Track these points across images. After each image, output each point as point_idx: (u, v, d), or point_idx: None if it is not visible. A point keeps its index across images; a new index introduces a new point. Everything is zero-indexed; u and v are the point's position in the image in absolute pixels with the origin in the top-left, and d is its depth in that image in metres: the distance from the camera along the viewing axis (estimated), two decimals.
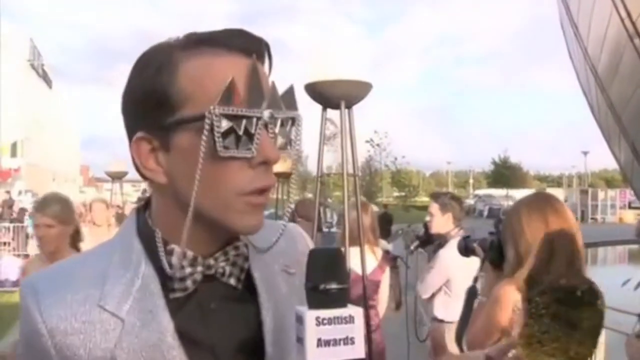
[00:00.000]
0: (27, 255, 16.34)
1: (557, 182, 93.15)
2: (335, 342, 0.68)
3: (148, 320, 0.80)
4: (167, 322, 0.80)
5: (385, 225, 19.53)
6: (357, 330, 0.69)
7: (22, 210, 18.67)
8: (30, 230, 17.26)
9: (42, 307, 0.81)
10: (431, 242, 4.61)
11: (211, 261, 0.83)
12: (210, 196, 0.78)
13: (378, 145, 42.90)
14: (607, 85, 16.03)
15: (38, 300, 0.81)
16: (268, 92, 0.78)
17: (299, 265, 0.90)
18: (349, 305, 0.70)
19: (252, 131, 0.76)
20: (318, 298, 0.70)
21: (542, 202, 2.19)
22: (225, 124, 0.75)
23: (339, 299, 0.70)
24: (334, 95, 3.45)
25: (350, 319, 0.69)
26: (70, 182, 55.19)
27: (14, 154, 40.64)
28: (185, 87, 0.78)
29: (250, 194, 0.79)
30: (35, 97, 45.50)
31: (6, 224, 16.84)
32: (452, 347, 3.61)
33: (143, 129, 0.80)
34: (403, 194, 51.24)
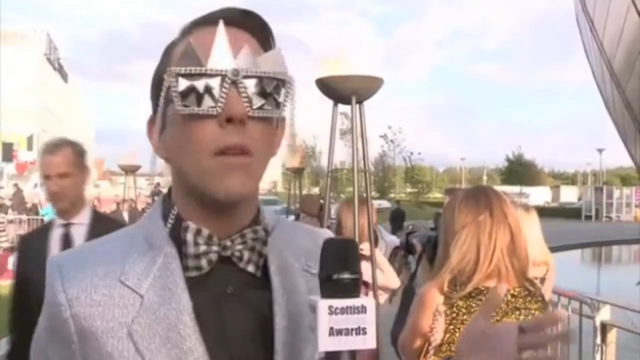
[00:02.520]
0: None
1: (571, 179, 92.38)
2: (347, 332, 0.69)
3: (167, 297, 0.81)
4: (185, 301, 0.81)
5: (398, 221, 19.56)
6: (369, 320, 0.70)
7: (35, 205, 18.84)
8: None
9: (64, 278, 0.83)
10: None
11: (228, 242, 0.83)
12: (189, 161, 0.80)
13: (392, 141, 42.79)
14: (623, 82, 15.85)
15: (61, 272, 0.84)
16: (237, 53, 0.78)
17: None
18: (362, 296, 0.71)
19: (215, 88, 0.77)
20: (331, 287, 0.70)
21: (478, 197, 2.00)
22: (183, 83, 0.77)
23: (351, 289, 0.70)
24: (345, 91, 3.45)
25: (362, 309, 0.70)
26: None
27: (30, 147, 41.04)
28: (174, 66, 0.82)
29: (223, 153, 0.78)
30: (52, 91, 45.90)
31: (23, 217, 17.00)
32: None
33: (153, 111, 0.87)
34: (416, 190, 51.06)
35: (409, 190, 54.65)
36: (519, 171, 57.41)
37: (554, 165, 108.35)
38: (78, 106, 58.25)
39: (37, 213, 17.87)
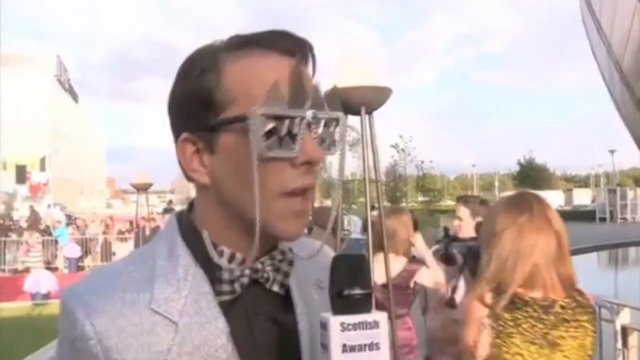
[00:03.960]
0: (56, 268, 16.61)
1: (584, 182, 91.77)
2: (361, 348, 0.68)
3: (202, 322, 0.79)
4: (222, 326, 0.79)
5: None
6: (383, 335, 0.69)
7: (47, 226, 18.94)
8: (61, 243, 17.57)
9: (89, 309, 0.77)
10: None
11: (258, 265, 0.83)
12: (252, 198, 0.77)
13: (403, 150, 42.78)
14: (632, 81, 15.75)
15: (84, 303, 0.78)
16: (311, 93, 0.79)
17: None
18: (374, 311, 0.71)
19: (295, 131, 0.76)
20: (342, 304, 0.70)
21: (518, 203, 1.92)
22: (267, 125, 0.75)
23: (363, 305, 0.70)
24: (354, 102, 3.45)
25: (375, 324, 0.69)
26: (97, 195, 55.98)
27: (42, 168, 41.42)
28: (229, 89, 0.78)
29: (292, 194, 0.79)
30: (63, 112, 46.40)
31: (39, 239, 17.11)
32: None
33: (187, 130, 0.81)
34: (428, 198, 50.92)
35: (420, 198, 54.53)
36: (531, 176, 57.12)
37: (565, 169, 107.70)
38: (89, 126, 58.79)
39: (50, 234, 17.98)
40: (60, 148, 44.24)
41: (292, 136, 0.76)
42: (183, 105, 0.82)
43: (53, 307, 10.64)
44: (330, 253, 1.00)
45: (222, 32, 0.87)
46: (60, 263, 17.46)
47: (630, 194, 44.37)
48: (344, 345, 0.68)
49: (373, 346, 0.69)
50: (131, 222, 18.40)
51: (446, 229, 4.36)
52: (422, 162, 42.99)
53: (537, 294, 1.82)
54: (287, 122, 0.76)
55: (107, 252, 18.11)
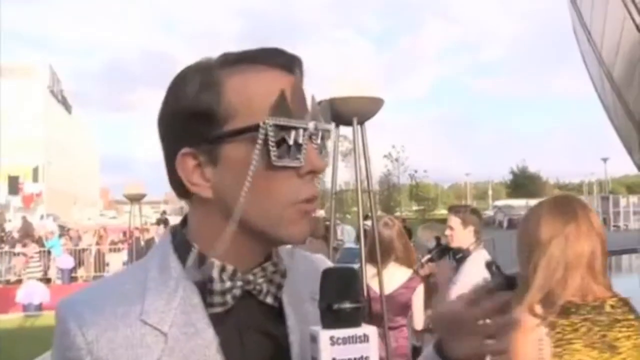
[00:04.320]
0: (49, 280, 16.51)
1: (577, 189, 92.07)
2: None
3: (191, 334, 0.80)
4: (211, 336, 0.80)
5: None
6: (373, 349, 0.70)
7: (40, 237, 18.81)
8: (54, 254, 17.46)
9: (81, 320, 0.79)
10: (445, 255, 4.62)
11: (250, 276, 0.83)
12: (260, 206, 0.80)
13: (397, 160, 42.88)
14: (623, 91, 15.86)
15: (77, 314, 0.80)
16: (310, 105, 0.84)
17: None
18: (364, 325, 0.71)
19: (300, 141, 0.80)
20: (332, 317, 0.70)
21: (562, 207, 1.86)
22: (278, 134, 0.78)
23: (353, 318, 0.70)
24: (346, 112, 3.47)
25: (364, 338, 0.69)
26: (91, 206, 55.75)
27: (35, 178, 41.22)
28: (232, 101, 0.80)
29: (300, 202, 0.81)
30: (56, 123, 46.27)
31: (36, 249, 17.00)
32: None
33: (187, 144, 0.82)
34: (422, 207, 51.01)
35: (414, 207, 54.59)
36: (525, 184, 57.36)
37: (558, 177, 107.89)
38: (82, 137, 58.63)
39: (42, 245, 17.87)
40: (53, 159, 44.05)
41: (297, 146, 0.80)
42: (180, 121, 0.83)
43: (46, 318, 10.56)
44: (326, 265, 1.01)
45: (221, 42, 0.90)
46: (53, 274, 17.35)
47: (623, 201, 44.60)
48: None
49: None
50: (124, 233, 18.32)
51: (438, 239, 4.38)
52: (416, 171, 43.15)
53: (588, 296, 1.77)
54: (293, 132, 0.79)
55: (100, 263, 18.02)
